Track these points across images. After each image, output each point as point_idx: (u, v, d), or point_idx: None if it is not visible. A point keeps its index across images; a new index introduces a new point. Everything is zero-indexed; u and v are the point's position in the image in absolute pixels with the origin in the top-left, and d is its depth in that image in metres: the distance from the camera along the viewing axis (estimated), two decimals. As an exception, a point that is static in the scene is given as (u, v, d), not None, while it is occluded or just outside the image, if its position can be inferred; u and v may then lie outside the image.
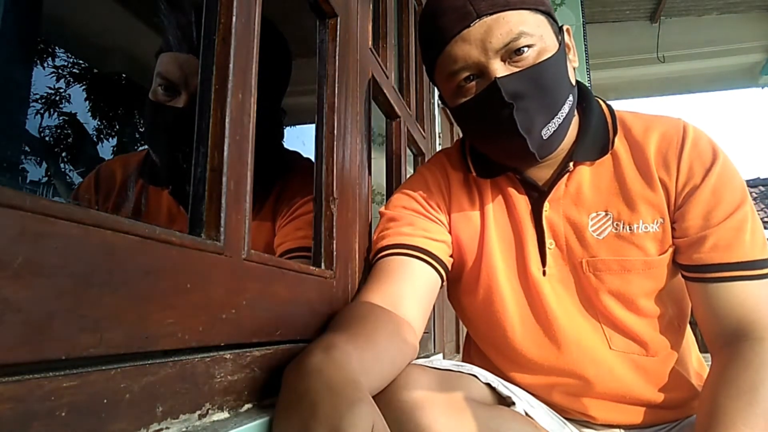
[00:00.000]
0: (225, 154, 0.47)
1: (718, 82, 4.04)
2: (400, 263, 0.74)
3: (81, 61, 2.84)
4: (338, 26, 0.78)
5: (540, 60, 0.68)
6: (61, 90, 2.81)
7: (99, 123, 2.95)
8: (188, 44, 0.84)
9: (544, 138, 0.70)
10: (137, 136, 2.97)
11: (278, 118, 1.01)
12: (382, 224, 0.81)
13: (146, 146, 1.08)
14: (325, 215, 0.73)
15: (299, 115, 2.31)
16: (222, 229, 0.46)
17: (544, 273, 0.76)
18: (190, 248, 0.42)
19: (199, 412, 0.42)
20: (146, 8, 2.37)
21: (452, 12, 0.69)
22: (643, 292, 0.73)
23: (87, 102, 2.92)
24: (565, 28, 0.75)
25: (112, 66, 2.86)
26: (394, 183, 1.16)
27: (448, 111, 0.78)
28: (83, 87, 2.91)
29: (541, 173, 0.78)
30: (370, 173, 0.93)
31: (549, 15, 0.71)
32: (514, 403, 0.66)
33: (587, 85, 0.96)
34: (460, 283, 0.83)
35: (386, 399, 0.56)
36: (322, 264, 0.71)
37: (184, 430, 0.40)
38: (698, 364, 0.83)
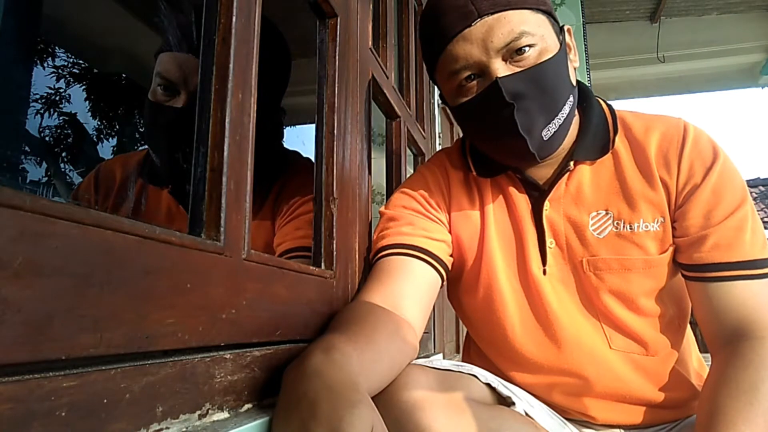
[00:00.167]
0: (225, 154, 0.47)
1: (718, 82, 4.04)
2: (400, 263, 0.74)
3: (81, 61, 2.84)
4: (338, 26, 0.78)
5: (541, 60, 0.68)
6: (61, 90, 2.82)
7: (99, 123, 2.96)
8: (187, 44, 0.84)
9: (545, 138, 0.70)
10: (137, 136, 2.97)
11: (278, 118, 1.01)
12: (382, 224, 0.81)
13: (146, 146, 1.08)
14: (325, 215, 0.73)
15: (299, 115, 2.31)
16: (222, 229, 0.46)
17: (544, 272, 0.76)
18: (190, 248, 0.42)
19: (199, 412, 0.42)
20: (146, 8, 2.37)
21: (454, 11, 0.68)
22: (644, 292, 0.73)
23: (87, 102, 2.93)
24: (566, 28, 0.75)
25: (112, 66, 2.86)
26: (394, 183, 1.16)
27: (449, 110, 0.78)
28: (83, 87, 2.91)
29: (541, 172, 0.78)
30: (370, 173, 0.93)
31: (550, 15, 0.71)
32: (514, 403, 0.66)
33: (587, 85, 0.96)
34: (460, 282, 0.83)
35: (386, 399, 0.56)
36: (322, 264, 0.71)
37: (184, 430, 0.40)
38: (698, 364, 0.83)
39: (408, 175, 0.95)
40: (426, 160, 1.28)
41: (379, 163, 1.17)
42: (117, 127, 2.99)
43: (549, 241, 0.76)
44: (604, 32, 3.66)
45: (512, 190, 0.79)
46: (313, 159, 0.75)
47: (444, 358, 1.54)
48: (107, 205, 1.00)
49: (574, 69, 0.75)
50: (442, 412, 0.56)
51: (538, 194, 0.78)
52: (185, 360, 0.41)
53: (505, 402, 0.67)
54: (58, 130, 2.86)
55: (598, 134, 0.77)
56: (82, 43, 2.70)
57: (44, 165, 2.77)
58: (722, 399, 0.61)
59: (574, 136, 0.77)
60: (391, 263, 0.74)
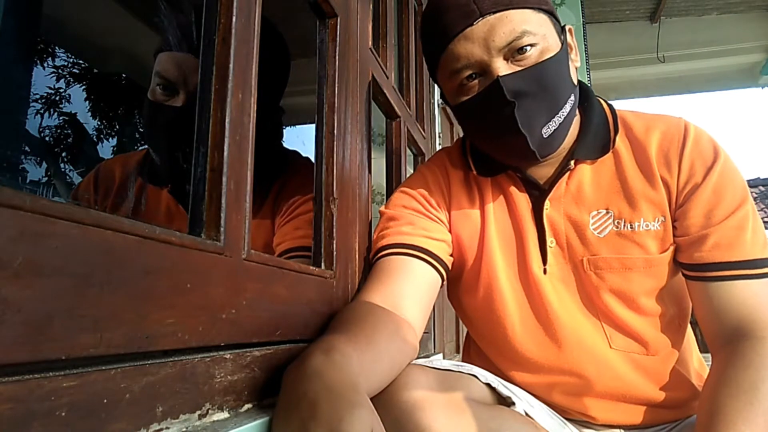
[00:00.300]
0: (225, 154, 0.47)
1: (718, 82, 4.03)
2: (400, 263, 0.74)
3: (81, 61, 2.84)
4: (338, 26, 0.78)
5: (542, 59, 0.68)
6: (61, 90, 2.82)
7: (99, 123, 2.96)
8: (187, 44, 0.84)
9: (545, 137, 0.70)
10: (137, 136, 2.97)
11: (278, 118, 1.01)
12: (382, 223, 0.81)
13: (146, 146, 1.08)
14: (325, 215, 0.73)
15: (299, 115, 2.31)
16: (222, 229, 0.46)
17: (544, 271, 0.76)
18: (190, 248, 0.42)
19: (199, 412, 0.42)
20: (146, 8, 2.37)
21: (455, 10, 0.68)
22: (644, 291, 0.73)
23: (87, 102, 2.93)
24: (567, 28, 0.75)
25: (112, 66, 2.86)
26: (394, 183, 1.16)
27: (450, 109, 0.78)
28: (83, 87, 2.91)
29: (542, 171, 0.78)
30: (370, 173, 0.93)
31: (551, 14, 0.71)
32: (514, 403, 0.66)
33: (587, 84, 0.95)
34: (460, 282, 0.83)
35: (386, 399, 0.56)
36: (322, 264, 0.71)
37: (184, 430, 0.40)
38: (699, 364, 0.83)
39: (408, 175, 0.95)
40: (426, 160, 1.28)
41: (379, 163, 1.17)
42: (117, 127, 2.99)
43: (549, 240, 0.76)
44: (604, 32, 3.66)
45: (513, 189, 0.79)
46: (313, 159, 0.75)
47: (444, 358, 1.54)
48: (107, 204, 1.01)
49: (575, 69, 0.75)
50: (442, 412, 0.56)
51: (538, 193, 0.78)
52: (185, 360, 0.41)
53: (505, 402, 0.67)
54: (58, 130, 2.86)
55: (598, 134, 0.77)
56: (82, 43, 2.70)
57: (44, 165, 2.77)
58: (722, 399, 0.61)
59: (574, 136, 0.77)
60: (391, 263, 0.74)
